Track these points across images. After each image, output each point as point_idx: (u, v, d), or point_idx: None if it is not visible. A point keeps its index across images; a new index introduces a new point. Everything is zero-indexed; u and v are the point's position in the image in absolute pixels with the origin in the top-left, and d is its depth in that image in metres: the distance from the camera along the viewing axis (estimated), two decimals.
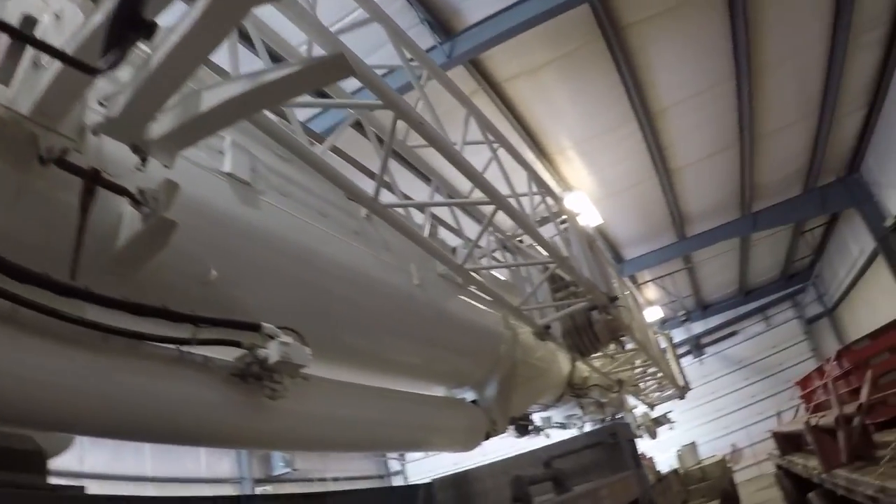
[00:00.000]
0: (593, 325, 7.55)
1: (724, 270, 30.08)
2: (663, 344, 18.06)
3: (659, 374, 13.42)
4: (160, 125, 2.86)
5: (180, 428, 3.51)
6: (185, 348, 3.41)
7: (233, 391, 3.62)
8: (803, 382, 13.24)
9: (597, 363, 11.24)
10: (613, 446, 6.97)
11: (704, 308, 35.10)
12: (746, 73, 14.77)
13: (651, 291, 28.75)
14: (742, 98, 15.84)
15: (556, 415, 12.38)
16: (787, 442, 11.52)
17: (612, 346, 10.82)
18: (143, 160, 2.87)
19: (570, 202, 13.22)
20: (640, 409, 17.00)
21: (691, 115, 16.21)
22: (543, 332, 7.45)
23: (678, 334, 32.51)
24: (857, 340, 8.82)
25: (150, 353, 3.30)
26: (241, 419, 3.76)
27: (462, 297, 6.78)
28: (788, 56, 15.02)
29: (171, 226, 2.91)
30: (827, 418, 6.53)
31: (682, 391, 17.32)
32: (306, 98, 5.39)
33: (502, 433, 7.72)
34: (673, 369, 16.67)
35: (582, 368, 11.37)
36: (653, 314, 23.06)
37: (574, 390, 10.99)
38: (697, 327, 34.76)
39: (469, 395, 7.63)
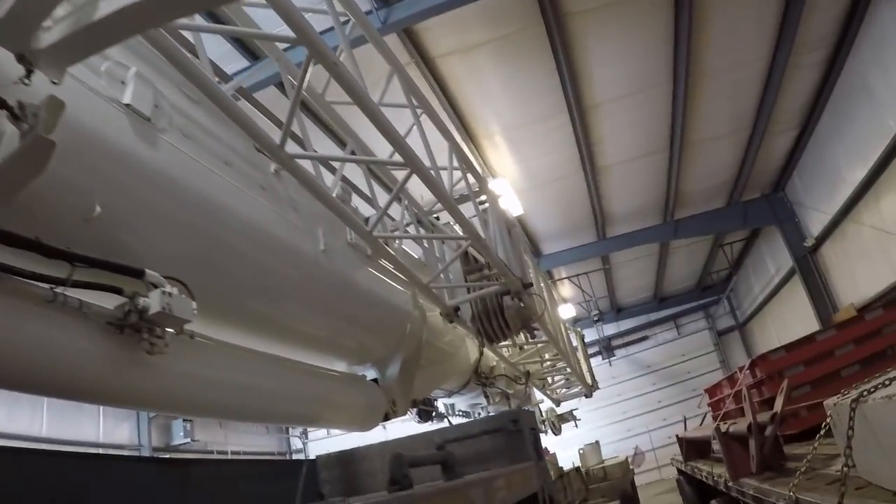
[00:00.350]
0: (504, 310, 7.46)
1: (641, 275, 30.83)
2: (574, 342, 18.27)
3: (567, 370, 13.51)
4: (50, 35, 2.63)
5: (46, 375, 3.22)
6: (59, 289, 3.11)
7: (108, 341, 3.34)
8: (712, 390, 13.55)
9: (505, 353, 11.23)
10: (514, 434, 6.79)
11: (618, 311, 36.02)
12: (684, 79, 14.99)
13: (566, 289, 29.15)
14: (677, 104, 16.09)
15: (461, 402, 12.35)
16: (692, 448, 11.76)
17: (522, 336, 10.84)
18: (29, 72, 2.64)
19: (493, 186, 13.23)
20: (546, 404, 17.14)
21: (624, 114, 16.37)
22: (452, 314, 7.36)
23: (590, 334, 33.06)
24: (773, 350, 9.10)
25: (17, 289, 3.01)
26: (116, 373, 3.46)
27: (370, 270, 6.62)
28: (728, 68, 15.32)
29: (50, 147, 2.63)
30: (739, 425, 6.58)
31: (589, 389, 17.51)
32: (219, 27, 5.21)
33: (403, 415, 7.60)
34: (582, 367, 16.86)
35: (490, 357, 11.34)
36: (566, 311, 23.38)
37: (480, 378, 10.96)
38: (609, 329, 35.53)
39: (370, 374, 7.48)
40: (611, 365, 34.96)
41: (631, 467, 23.35)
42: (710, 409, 14.23)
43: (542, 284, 11.43)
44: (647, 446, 33.23)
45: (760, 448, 5.86)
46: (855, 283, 19.21)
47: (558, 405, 17.29)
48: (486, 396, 11.83)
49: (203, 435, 32.24)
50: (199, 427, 31.97)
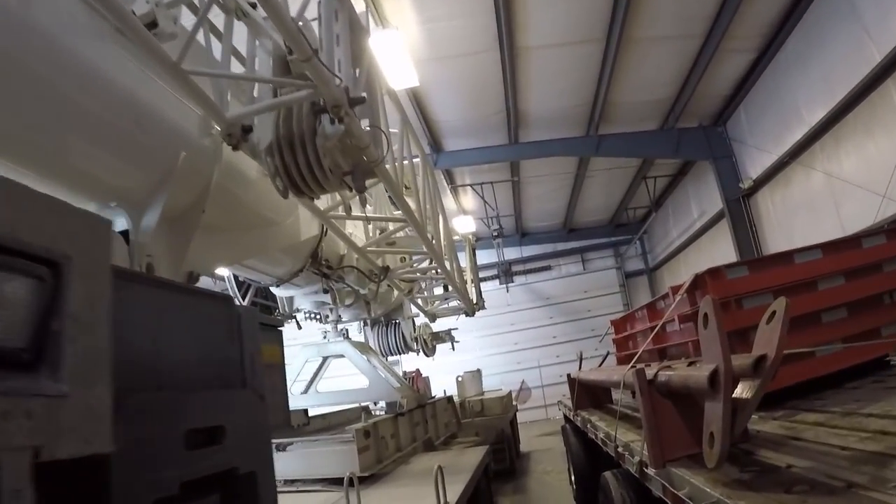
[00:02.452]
0: (318, 140, 4.71)
1: (552, 197, 28.53)
2: (465, 262, 15.79)
3: (442, 277, 10.88)
4: None
5: None
6: None
7: None
8: (621, 323, 11.26)
9: (359, 238, 8.60)
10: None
11: (523, 235, 33.99)
12: None
13: (469, 199, 26.56)
14: None
15: (303, 300, 9.77)
16: (586, 394, 9.29)
17: (368, 205, 8.23)
18: None
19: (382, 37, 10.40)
20: (421, 318, 14.61)
21: None
22: (237, 135, 4.66)
23: (489, 256, 31.69)
24: (729, 266, 6.28)
25: None
26: None
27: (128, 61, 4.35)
28: None
29: None
30: (685, 373, 3.73)
31: (471, 308, 15.05)
32: None
33: None
34: (466, 280, 14.36)
35: (338, 243, 8.75)
36: (465, 224, 20.87)
37: (319, 266, 8.36)
38: (511, 253, 33.35)
39: (120, 223, 4.83)
40: (508, 291, 33.11)
41: (514, 403, 21.39)
42: (614, 347, 11.90)
43: (429, 177, 8.79)
44: (536, 383, 32.01)
45: (730, 420, 3.23)
46: (790, 237, 17.24)
47: (433, 321, 14.73)
48: (333, 293, 9.25)
49: None
50: None
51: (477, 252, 29.38)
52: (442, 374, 21.90)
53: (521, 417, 21.67)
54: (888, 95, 12.79)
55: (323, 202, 6.84)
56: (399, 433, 8.78)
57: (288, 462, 7.64)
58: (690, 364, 3.97)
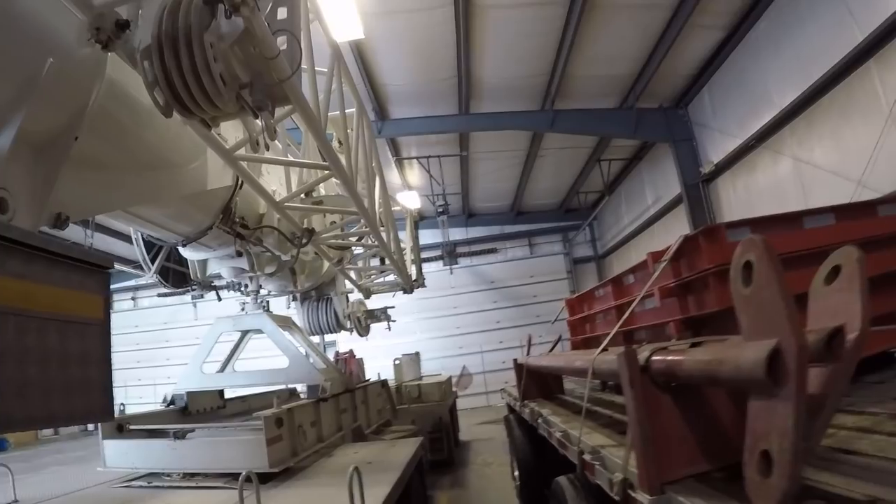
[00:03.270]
0: (208, 38, 3.57)
1: (502, 177, 27.65)
2: (406, 238, 14.72)
3: (376, 246, 9.69)
4: None
5: None
6: None
7: None
8: (577, 302, 10.36)
9: (281, 195, 7.46)
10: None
11: (469, 216, 33.19)
12: None
13: (415, 174, 25.44)
14: None
15: (218, 263, 8.60)
16: (535, 382, 8.30)
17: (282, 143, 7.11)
18: None
19: None
20: (356, 295, 13.46)
21: None
22: (109, 31, 3.53)
23: (434, 236, 31.13)
24: (731, 224, 5.30)
25: None
26: None
27: None
28: None
29: None
30: (733, 353, 2.57)
31: (409, 284, 13.91)
32: None
33: (29, 227, 3.79)
34: (405, 253, 13.25)
35: (257, 200, 7.64)
36: (410, 200, 19.72)
37: (233, 225, 7.22)
38: (456, 234, 32.56)
39: None
40: (451, 273, 32.30)
41: (454, 389, 20.40)
42: (568, 330, 10.98)
43: (365, 129, 7.67)
44: (478, 368, 31.38)
45: (802, 428, 2.05)
46: None
47: (368, 297, 13.54)
48: (247, 257, 8.10)
49: None
50: None
51: (421, 231, 28.52)
52: (381, 356, 21.06)
53: (461, 404, 20.72)
54: (868, 78, 12.07)
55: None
56: (321, 421, 7.68)
57: (187, 452, 6.53)
58: (696, 345, 2.94)
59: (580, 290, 31.19)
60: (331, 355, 11.33)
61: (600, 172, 26.27)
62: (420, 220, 30.30)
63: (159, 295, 33.61)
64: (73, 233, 5.70)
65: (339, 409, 8.70)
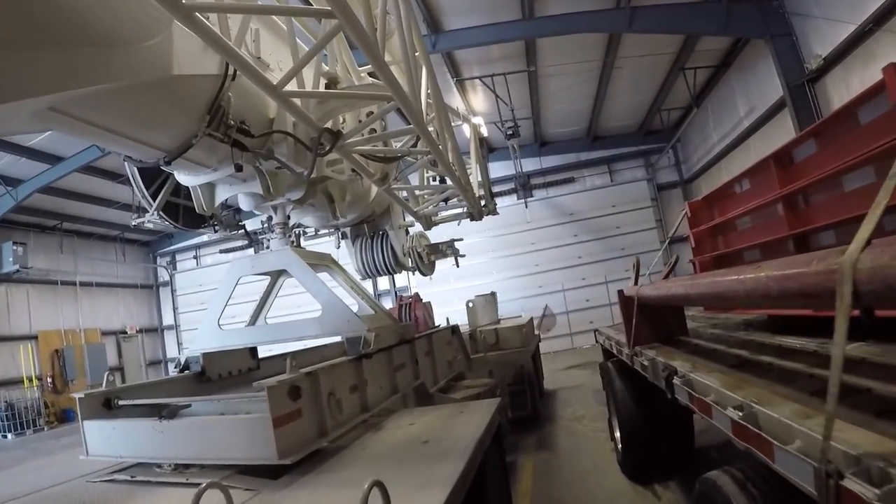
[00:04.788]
0: None
1: (575, 96, 25.36)
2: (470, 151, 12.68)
3: (426, 152, 7.47)
4: None
5: None
6: None
7: None
8: (706, 206, 8.35)
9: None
10: None
11: (542, 145, 31.07)
12: None
13: (478, 98, 23.37)
14: None
15: (224, 187, 6.82)
16: (648, 320, 6.28)
17: None
18: None
19: None
20: (416, 228, 11.52)
21: None
22: None
23: (504, 167, 29.73)
24: None
25: None
26: None
27: None
28: None
29: None
30: None
31: (477, 208, 11.77)
32: None
33: None
34: (468, 171, 11.18)
35: (260, 99, 5.76)
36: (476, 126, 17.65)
37: (227, 130, 5.38)
38: (529, 165, 30.63)
39: None
40: (527, 207, 30.69)
41: (536, 332, 18.52)
42: (691, 241, 8.92)
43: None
44: (560, 308, 30.02)
45: None
46: None
47: (428, 227, 11.52)
48: (256, 174, 6.30)
49: (43, 262, 29.76)
50: (37, 253, 29.36)
51: (491, 164, 26.52)
52: (455, 300, 19.52)
53: (543, 347, 18.81)
54: None
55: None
56: (366, 384, 5.90)
57: (177, 437, 4.79)
58: None
59: (666, 220, 29.66)
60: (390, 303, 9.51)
61: (685, 83, 23.88)
62: (489, 151, 28.54)
63: (221, 251, 32.74)
64: None
65: (392, 365, 6.86)
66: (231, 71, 5.33)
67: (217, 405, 5.36)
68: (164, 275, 37.69)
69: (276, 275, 7.61)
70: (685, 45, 21.42)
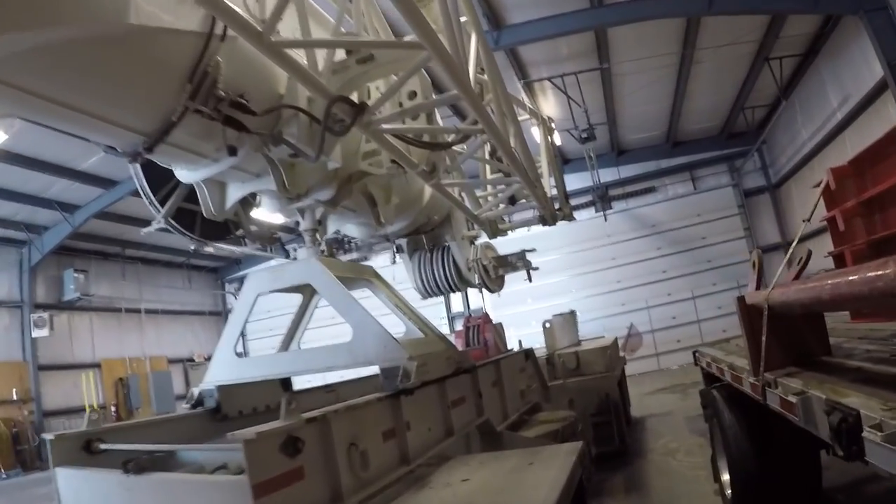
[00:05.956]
0: None
1: (652, 97, 23.96)
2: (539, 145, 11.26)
3: (477, 128, 5.94)
4: None
5: None
6: None
7: None
8: (854, 174, 6.85)
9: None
10: None
11: (619, 153, 29.82)
12: None
13: (549, 103, 22.12)
14: None
15: (236, 186, 5.64)
16: (779, 337, 4.72)
17: None
18: None
19: None
20: (483, 239, 10.23)
21: None
22: None
23: (581, 179, 28.18)
24: None
25: None
26: None
27: None
28: None
29: None
30: None
31: (549, 212, 10.26)
32: None
33: None
34: (536, 167, 9.72)
35: (270, 70, 4.56)
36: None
37: (218, 103, 4.20)
38: (607, 175, 29.26)
39: None
40: (605, 220, 29.35)
41: (622, 354, 17.04)
42: (838, 223, 7.30)
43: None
44: (645, 327, 28.48)
45: None
46: None
47: (493, 234, 10.10)
48: (267, 163, 5.10)
49: (106, 289, 29.79)
50: (99, 280, 29.43)
51: (567, 177, 25.13)
52: (533, 321, 18.54)
53: (627, 370, 17.33)
54: None
55: None
56: (406, 428, 4.61)
57: (147, 498, 3.64)
58: None
59: (755, 227, 28.08)
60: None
61: (770, 74, 22.26)
62: (564, 163, 27.26)
63: None
64: None
65: (446, 401, 5.57)
66: (219, 30, 4.18)
67: (219, 455, 4.17)
68: (232, 301, 37.03)
69: (311, 291, 6.41)
70: (769, 31, 19.87)
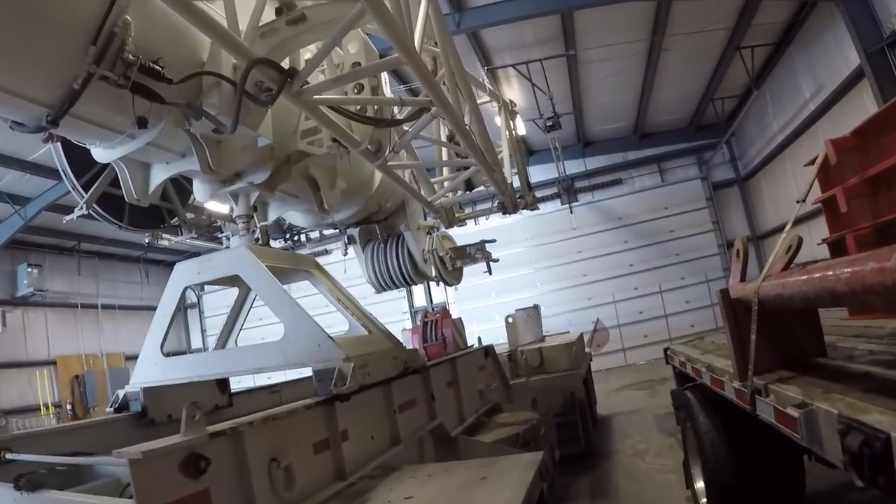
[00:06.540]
0: None
1: (620, 86, 23.65)
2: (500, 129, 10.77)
3: (428, 100, 5.36)
4: None
5: None
6: None
7: None
8: (858, 151, 6.23)
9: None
10: None
11: (585, 145, 29.56)
12: None
13: (514, 90, 21.64)
14: None
15: (160, 168, 5.11)
16: (770, 336, 4.10)
17: None
18: None
19: None
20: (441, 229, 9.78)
21: None
22: None
23: (546, 171, 28.24)
24: None
25: None
26: None
27: None
28: None
29: None
30: None
31: (510, 199, 9.69)
32: None
33: None
34: (504, 157, 9.24)
35: (190, 34, 4.04)
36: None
37: (127, 67, 3.69)
38: (573, 167, 29.00)
39: None
40: (571, 212, 29.26)
41: (588, 350, 16.65)
42: (840, 204, 6.67)
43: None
44: (611, 321, 28.21)
45: None
46: None
47: (450, 224, 9.64)
48: (190, 140, 4.57)
49: (61, 284, 29.23)
50: (54, 275, 28.94)
51: (532, 168, 24.76)
52: (496, 316, 18.64)
53: (593, 365, 16.92)
54: None
55: None
56: (342, 437, 4.10)
57: None
58: None
59: (724, 220, 27.95)
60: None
61: (742, 64, 21.97)
62: (529, 154, 26.91)
63: None
64: None
65: (391, 405, 5.08)
66: None
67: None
68: (191, 296, 36.30)
69: (246, 284, 5.87)
70: (741, 18, 19.51)
